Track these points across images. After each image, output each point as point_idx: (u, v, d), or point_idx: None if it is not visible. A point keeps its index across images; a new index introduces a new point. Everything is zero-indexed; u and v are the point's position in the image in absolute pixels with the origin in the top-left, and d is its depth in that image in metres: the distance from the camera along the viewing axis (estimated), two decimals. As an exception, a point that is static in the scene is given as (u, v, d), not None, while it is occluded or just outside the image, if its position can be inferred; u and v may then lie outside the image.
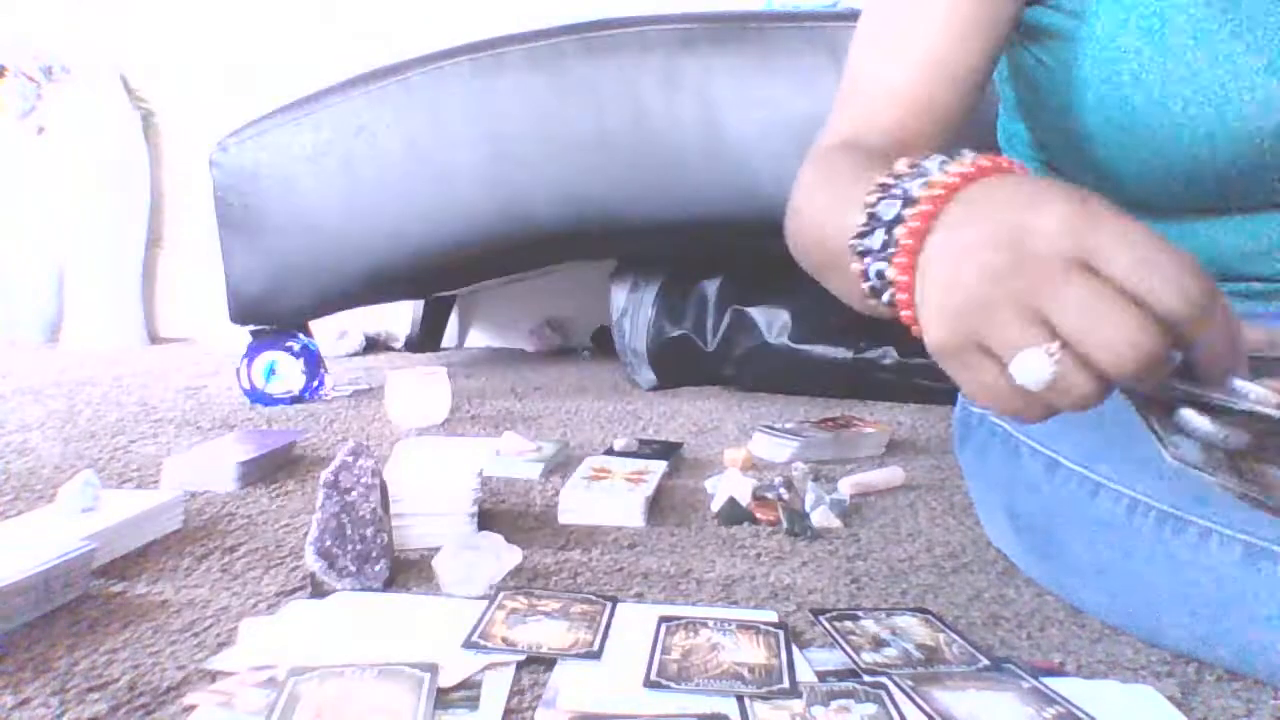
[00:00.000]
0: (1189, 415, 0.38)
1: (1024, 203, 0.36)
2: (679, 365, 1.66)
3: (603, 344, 2.19)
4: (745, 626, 0.57)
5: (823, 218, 0.51)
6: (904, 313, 0.42)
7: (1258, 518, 0.51)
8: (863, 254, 0.43)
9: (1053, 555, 0.65)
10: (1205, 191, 0.63)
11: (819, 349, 1.56)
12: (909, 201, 0.41)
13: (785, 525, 0.80)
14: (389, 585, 0.65)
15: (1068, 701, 0.47)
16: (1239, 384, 0.37)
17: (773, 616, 0.59)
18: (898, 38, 0.62)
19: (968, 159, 0.41)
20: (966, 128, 0.63)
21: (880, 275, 0.43)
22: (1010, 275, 0.35)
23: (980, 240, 0.37)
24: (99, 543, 0.65)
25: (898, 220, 0.41)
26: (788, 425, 1.15)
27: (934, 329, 0.39)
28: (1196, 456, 0.39)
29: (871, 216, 0.43)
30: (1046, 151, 0.72)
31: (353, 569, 0.63)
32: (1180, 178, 0.62)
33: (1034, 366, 0.35)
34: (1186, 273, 0.34)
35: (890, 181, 0.43)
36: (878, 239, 0.42)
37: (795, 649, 0.54)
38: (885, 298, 0.43)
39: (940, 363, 0.39)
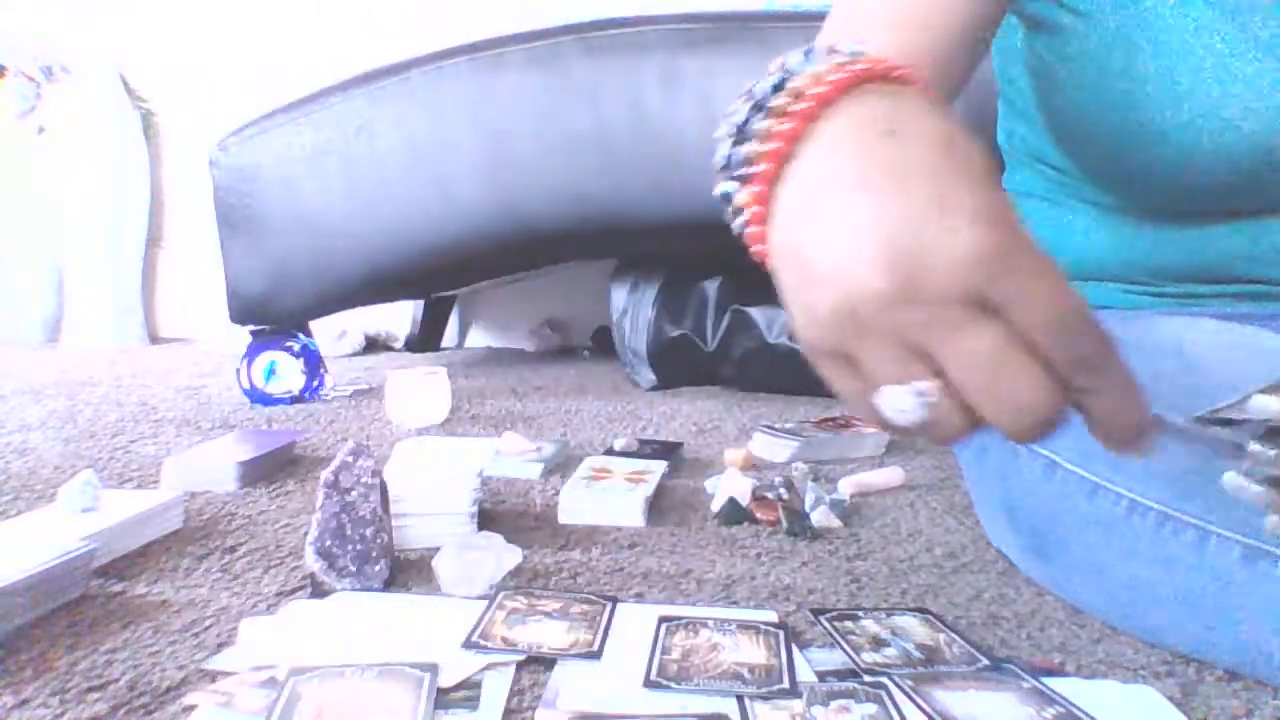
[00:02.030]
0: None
1: (925, 196, 0.29)
2: (679, 365, 1.66)
3: (603, 344, 2.18)
4: (745, 626, 0.57)
5: None
6: (756, 247, 0.33)
7: (1256, 518, 0.51)
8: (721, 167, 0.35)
9: (1052, 555, 0.65)
10: (1212, 196, 0.63)
11: (819, 349, 1.56)
12: (761, 110, 0.33)
13: (785, 525, 0.80)
14: (389, 585, 0.65)
15: (1068, 701, 0.47)
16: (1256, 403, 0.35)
17: (773, 616, 0.59)
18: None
19: (844, 54, 0.32)
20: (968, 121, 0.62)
21: (727, 197, 0.34)
22: (898, 305, 0.28)
23: (861, 230, 0.29)
24: (99, 543, 0.65)
25: (746, 132, 0.33)
26: (788, 425, 1.15)
27: (797, 319, 0.31)
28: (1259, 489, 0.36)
29: (729, 120, 0.35)
30: (1050, 143, 0.72)
31: (353, 569, 0.63)
32: (1187, 183, 0.62)
33: (904, 406, 0.29)
34: (1089, 332, 0.29)
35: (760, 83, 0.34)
36: (723, 151, 0.34)
37: (795, 649, 0.54)
38: (737, 225, 0.34)
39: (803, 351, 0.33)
